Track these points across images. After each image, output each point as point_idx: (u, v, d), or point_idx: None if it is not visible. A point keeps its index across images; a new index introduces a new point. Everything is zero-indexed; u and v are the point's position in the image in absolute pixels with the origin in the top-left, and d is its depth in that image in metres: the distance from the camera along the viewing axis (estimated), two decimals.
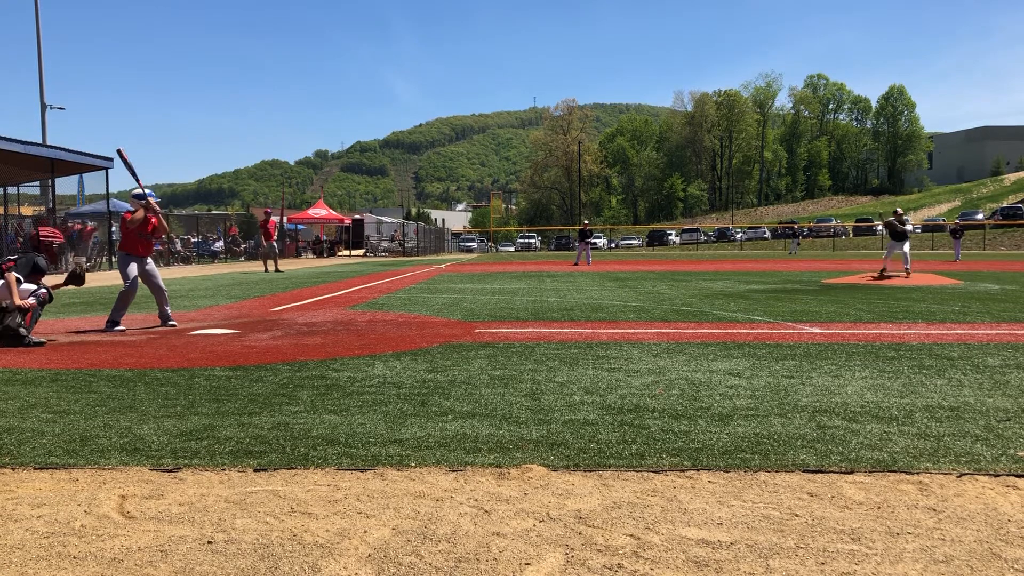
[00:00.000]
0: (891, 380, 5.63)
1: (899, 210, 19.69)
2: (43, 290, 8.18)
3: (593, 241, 37.07)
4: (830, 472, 3.53)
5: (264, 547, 2.72)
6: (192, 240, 39.52)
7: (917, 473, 3.50)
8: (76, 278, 8.81)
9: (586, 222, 37.06)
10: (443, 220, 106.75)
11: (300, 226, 53.49)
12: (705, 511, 3.04)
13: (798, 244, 53.36)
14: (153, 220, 9.47)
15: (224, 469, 3.63)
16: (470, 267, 31.07)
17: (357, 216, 63.11)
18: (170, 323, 9.44)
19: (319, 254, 49.61)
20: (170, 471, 3.61)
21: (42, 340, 7.93)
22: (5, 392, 5.44)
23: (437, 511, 3.06)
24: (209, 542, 2.77)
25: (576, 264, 31.67)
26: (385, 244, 56.62)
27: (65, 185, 33.34)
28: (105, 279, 21.52)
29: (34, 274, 8.17)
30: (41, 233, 8.75)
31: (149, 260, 9.59)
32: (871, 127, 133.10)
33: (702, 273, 22.95)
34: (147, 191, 9.40)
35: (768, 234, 78.44)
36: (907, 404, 4.84)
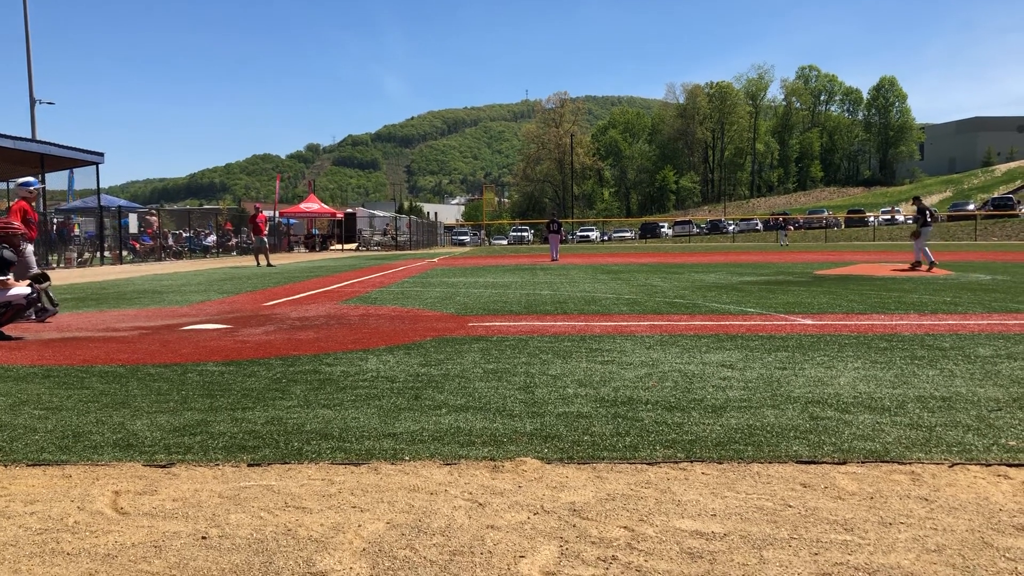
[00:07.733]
0: (883, 371, 5.65)
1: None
2: (24, 291, 8.05)
3: (561, 234, 30.46)
4: (823, 463, 3.54)
5: (258, 542, 2.72)
6: (184, 235, 39.37)
7: (909, 463, 3.52)
8: (41, 277, 8.80)
9: (554, 213, 30.99)
10: (435, 214, 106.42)
11: (292, 220, 53.34)
12: (699, 502, 3.05)
13: (786, 235, 53.36)
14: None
15: (218, 464, 3.62)
16: (463, 261, 31.04)
17: (349, 210, 63.01)
18: None
19: (311, 248, 49.50)
20: (164, 467, 3.60)
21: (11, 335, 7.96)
22: None
23: (431, 504, 3.07)
24: (203, 537, 2.76)
25: (553, 260, 27.99)
26: (377, 238, 56.48)
27: (55, 180, 33.17)
28: (96, 275, 21.45)
29: None
30: None
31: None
32: (863, 118, 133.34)
33: (695, 265, 22.99)
34: None
35: (760, 226, 78.57)
36: (899, 395, 4.87)
